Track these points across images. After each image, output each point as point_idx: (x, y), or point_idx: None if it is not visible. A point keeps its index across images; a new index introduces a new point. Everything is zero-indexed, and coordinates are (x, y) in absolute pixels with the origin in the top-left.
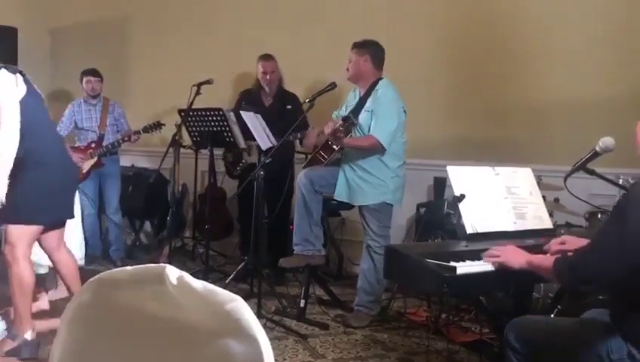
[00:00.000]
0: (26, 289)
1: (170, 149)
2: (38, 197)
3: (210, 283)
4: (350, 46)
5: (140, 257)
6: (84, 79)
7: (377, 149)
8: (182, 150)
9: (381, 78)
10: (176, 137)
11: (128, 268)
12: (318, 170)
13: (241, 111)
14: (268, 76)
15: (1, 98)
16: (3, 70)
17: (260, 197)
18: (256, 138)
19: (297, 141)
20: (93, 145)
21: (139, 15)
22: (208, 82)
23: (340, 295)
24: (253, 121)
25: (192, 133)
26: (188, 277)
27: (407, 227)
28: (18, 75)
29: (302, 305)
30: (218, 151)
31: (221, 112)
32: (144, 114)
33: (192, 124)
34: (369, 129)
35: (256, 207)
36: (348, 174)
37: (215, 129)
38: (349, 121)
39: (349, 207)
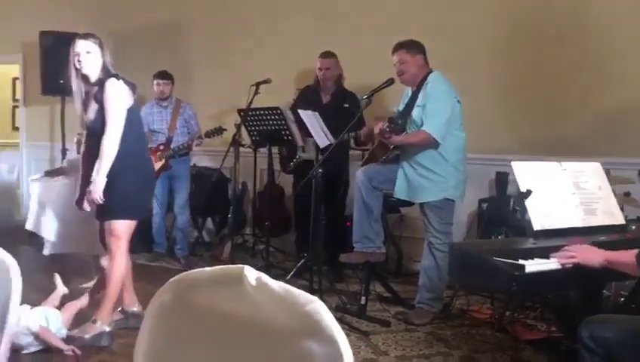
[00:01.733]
0: (121, 278)
1: (231, 148)
2: (136, 195)
3: None
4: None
5: (202, 254)
6: (154, 82)
7: (430, 144)
8: (241, 149)
9: (431, 71)
10: (236, 137)
11: (207, 268)
12: (377, 166)
13: (299, 110)
14: (323, 73)
15: (114, 105)
16: (121, 81)
17: (318, 195)
18: (314, 136)
19: (352, 140)
20: (161, 147)
21: (198, 17)
22: (266, 81)
23: (399, 292)
24: (311, 119)
25: (252, 132)
26: (266, 278)
27: (469, 223)
28: (130, 87)
29: (362, 301)
30: (276, 150)
31: (279, 111)
32: (204, 114)
33: (251, 123)
34: (422, 124)
35: (315, 204)
36: (407, 171)
37: (273, 128)
38: (394, 123)
39: (409, 204)
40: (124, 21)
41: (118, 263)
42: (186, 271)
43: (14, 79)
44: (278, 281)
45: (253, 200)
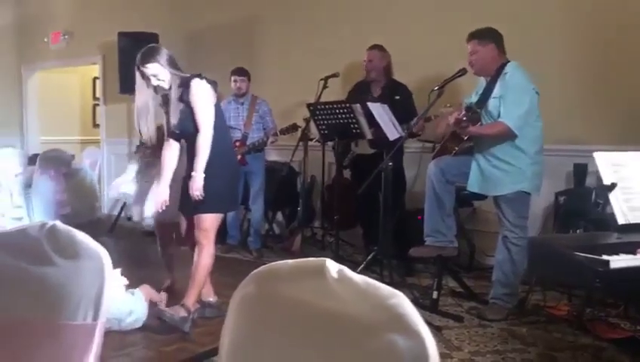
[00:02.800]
0: (208, 269)
1: (300, 143)
2: (224, 190)
3: None
4: (467, 37)
5: (273, 246)
6: (232, 78)
7: (508, 136)
8: (310, 143)
9: (508, 62)
10: (305, 131)
11: (289, 261)
12: (449, 159)
13: (368, 103)
14: (366, 65)
15: (203, 103)
16: (204, 80)
17: (387, 188)
18: (384, 128)
19: (405, 132)
20: (237, 143)
21: (268, 14)
22: (335, 75)
23: (472, 287)
24: (380, 111)
25: (320, 127)
26: (348, 271)
27: (544, 216)
28: (212, 85)
29: (434, 296)
30: (330, 145)
31: (348, 104)
32: (274, 109)
33: (320, 117)
34: (499, 115)
35: (384, 197)
36: (481, 163)
37: (342, 121)
38: (472, 111)
39: (482, 197)
40: (198, 20)
41: (207, 254)
42: (259, 262)
43: (94, 79)
44: (359, 274)
45: (321, 194)
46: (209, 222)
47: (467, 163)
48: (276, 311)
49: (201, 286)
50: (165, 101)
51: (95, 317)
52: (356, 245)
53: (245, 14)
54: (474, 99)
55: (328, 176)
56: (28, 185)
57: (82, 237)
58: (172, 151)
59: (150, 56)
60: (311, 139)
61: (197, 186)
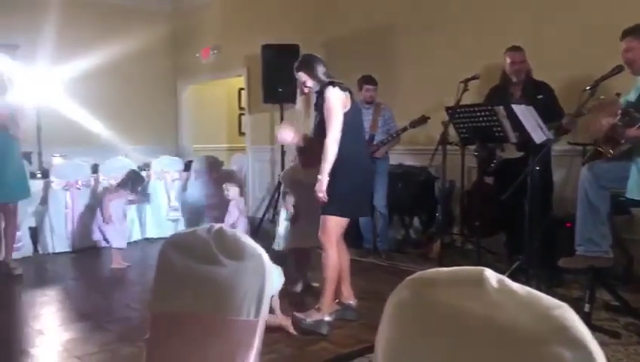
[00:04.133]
0: (335, 271)
1: (439, 147)
2: (350, 195)
3: None
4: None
5: (409, 252)
6: (364, 87)
7: None
8: (448, 146)
9: None
10: (444, 134)
11: (445, 268)
12: (604, 163)
13: (512, 105)
14: (516, 67)
15: (331, 110)
16: (337, 88)
17: (533, 194)
18: (530, 132)
19: (553, 135)
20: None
21: (403, 20)
22: (475, 78)
23: (630, 301)
24: (525, 113)
25: (460, 130)
26: (508, 280)
27: None
28: (347, 92)
29: (587, 309)
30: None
31: (490, 107)
32: (411, 114)
33: (459, 120)
34: None
35: (530, 203)
36: None
37: (484, 124)
38: (628, 115)
39: None
40: (336, 29)
41: (330, 256)
42: (393, 267)
43: (240, 90)
44: (520, 284)
45: (461, 199)
46: (330, 224)
47: (625, 167)
48: (433, 319)
49: (331, 288)
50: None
51: (257, 315)
52: (498, 253)
53: (381, 21)
54: (632, 96)
55: (468, 181)
56: (183, 190)
57: (245, 239)
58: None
59: (301, 64)
60: (450, 143)
61: (320, 189)
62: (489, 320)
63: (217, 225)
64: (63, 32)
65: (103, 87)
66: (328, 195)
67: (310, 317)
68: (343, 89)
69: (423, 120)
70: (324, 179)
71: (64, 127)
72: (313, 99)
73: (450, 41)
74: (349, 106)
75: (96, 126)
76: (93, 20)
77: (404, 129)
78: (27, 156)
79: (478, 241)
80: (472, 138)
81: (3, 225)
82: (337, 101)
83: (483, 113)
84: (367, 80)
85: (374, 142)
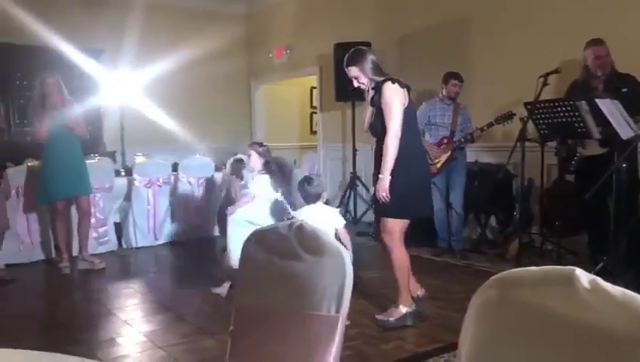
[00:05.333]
0: (404, 268)
1: (517, 144)
2: (411, 195)
3: None
4: None
5: (485, 251)
6: (450, 82)
7: None
8: (527, 143)
9: None
10: (523, 131)
11: (533, 268)
12: None
13: (596, 100)
14: (601, 61)
15: (392, 106)
16: (396, 84)
17: (619, 193)
18: (616, 127)
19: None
20: (445, 140)
21: (478, 13)
22: (556, 72)
23: None
24: (610, 108)
25: (540, 126)
26: (601, 280)
27: None
28: (405, 88)
29: None
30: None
31: (572, 102)
32: (487, 111)
33: (539, 116)
34: None
35: (616, 202)
36: None
37: (565, 120)
38: None
39: None
40: (409, 25)
41: (396, 255)
42: (468, 267)
43: (312, 88)
44: (614, 286)
45: (540, 198)
46: (391, 225)
47: None
48: (520, 319)
49: (405, 283)
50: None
51: (337, 310)
52: (579, 253)
53: (455, 16)
54: None
55: (548, 179)
56: None
57: (325, 235)
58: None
59: (351, 59)
60: (529, 140)
61: (382, 188)
62: (581, 322)
63: (297, 222)
64: (144, 37)
65: (180, 88)
66: (390, 195)
67: (392, 316)
68: (402, 85)
69: (509, 116)
70: (386, 177)
71: (145, 127)
72: (366, 94)
73: (528, 35)
74: (406, 103)
75: (174, 126)
76: (172, 25)
77: (490, 124)
78: (111, 155)
79: (558, 241)
80: (552, 134)
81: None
82: (397, 96)
83: (564, 108)
84: (455, 76)
85: (454, 138)
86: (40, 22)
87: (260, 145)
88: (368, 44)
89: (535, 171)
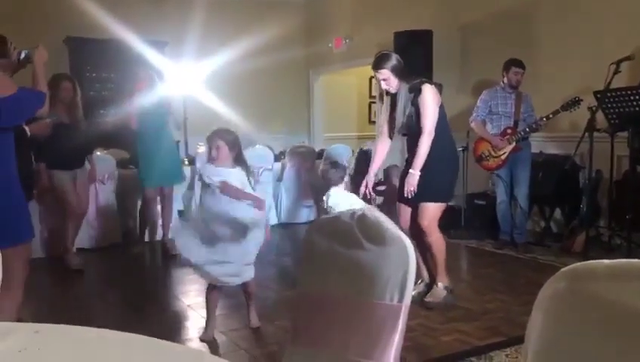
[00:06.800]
0: (442, 250)
1: (585, 134)
2: (445, 183)
3: None
4: None
5: (550, 245)
6: (512, 69)
7: None
8: (596, 134)
9: None
10: (591, 121)
11: (607, 261)
12: None
13: None
14: None
15: (430, 107)
16: (432, 85)
17: None
18: None
19: None
20: (509, 130)
21: (546, 1)
22: (629, 58)
23: None
24: None
25: (610, 116)
26: None
27: None
28: (438, 88)
29: None
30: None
31: None
32: (553, 100)
33: (609, 105)
34: None
35: None
36: None
37: (638, 109)
38: None
39: None
40: (471, 12)
41: (435, 238)
42: (531, 260)
43: (371, 78)
44: None
45: (609, 190)
46: (430, 210)
47: None
48: (592, 313)
49: (442, 264)
50: (393, 103)
51: (400, 299)
52: None
53: (520, 2)
54: None
55: (618, 171)
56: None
57: (389, 224)
58: (384, 146)
59: (381, 62)
60: (598, 130)
61: (412, 183)
62: None
63: (360, 210)
64: (206, 28)
65: (240, 79)
66: (428, 183)
67: (437, 297)
68: (436, 86)
69: (576, 102)
70: (416, 173)
71: (207, 118)
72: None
73: (598, 21)
74: (440, 101)
75: (235, 116)
76: (232, 16)
77: (556, 112)
78: (175, 144)
79: (629, 235)
80: (623, 124)
81: (159, 208)
82: (434, 98)
83: (637, 97)
84: (516, 63)
85: (518, 128)
86: (108, 15)
87: (228, 132)
88: (429, 33)
89: (604, 163)
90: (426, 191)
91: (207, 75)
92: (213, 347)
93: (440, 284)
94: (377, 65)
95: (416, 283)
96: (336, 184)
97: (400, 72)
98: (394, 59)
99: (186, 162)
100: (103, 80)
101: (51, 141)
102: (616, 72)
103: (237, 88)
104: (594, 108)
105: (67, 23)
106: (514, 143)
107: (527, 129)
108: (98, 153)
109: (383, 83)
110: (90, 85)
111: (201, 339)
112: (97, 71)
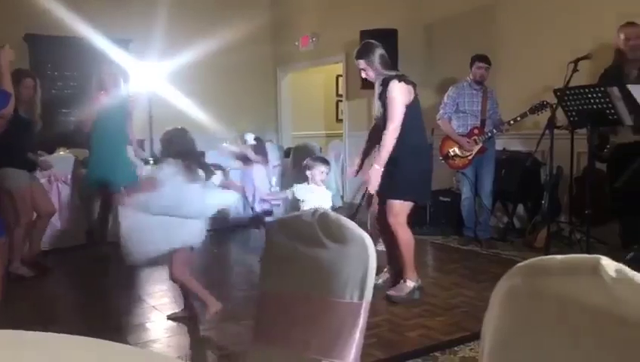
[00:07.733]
0: (410, 247)
1: (546, 131)
2: (415, 182)
3: None
4: None
5: (512, 240)
6: (475, 64)
7: None
8: (556, 131)
9: None
10: (552, 118)
11: (559, 256)
12: None
13: (628, 86)
14: (632, 42)
15: (394, 104)
16: (402, 82)
17: None
18: None
19: None
20: (476, 130)
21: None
22: (587, 57)
23: None
24: None
25: (569, 113)
26: (628, 269)
27: None
28: (411, 86)
29: None
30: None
31: (602, 88)
32: (515, 98)
33: (569, 103)
34: None
35: None
36: None
37: (596, 107)
38: None
39: None
40: (435, 11)
41: (402, 235)
42: (494, 256)
43: (338, 76)
44: None
45: (569, 186)
46: (397, 207)
47: None
48: (545, 308)
49: (410, 260)
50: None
51: (361, 297)
52: (609, 243)
53: (482, 1)
54: None
55: (577, 167)
56: (283, 175)
57: (349, 223)
58: (376, 133)
59: (359, 53)
60: (558, 127)
61: (374, 177)
62: (607, 314)
63: (321, 209)
64: (171, 25)
65: (206, 77)
66: (395, 180)
67: (402, 291)
68: (408, 82)
69: (544, 106)
70: (380, 168)
71: (172, 116)
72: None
73: (558, 21)
74: (411, 100)
75: (201, 114)
76: (198, 13)
77: (524, 115)
78: (140, 143)
79: (588, 230)
80: (582, 121)
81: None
82: (400, 95)
83: (595, 95)
84: (480, 58)
85: (485, 129)
86: (70, 13)
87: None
88: (394, 32)
89: (564, 159)
90: (392, 187)
91: (172, 73)
92: (180, 347)
93: (408, 281)
94: (356, 55)
95: (381, 271)
96: (315, 180)
97: (381, 64)
98: (373, 51)
99: (151, 161)
100: (65, 78)
101: (6, 137)
102: (574, 70)
103: (203, 86)
104: (554, 106)
105: (27, 20)
106: (480, 144)
107: (495, 130)
108: (61, 153)
109: (362, 72)
110: (52, 83)
111: (208, 319)
112: (59, 69)
